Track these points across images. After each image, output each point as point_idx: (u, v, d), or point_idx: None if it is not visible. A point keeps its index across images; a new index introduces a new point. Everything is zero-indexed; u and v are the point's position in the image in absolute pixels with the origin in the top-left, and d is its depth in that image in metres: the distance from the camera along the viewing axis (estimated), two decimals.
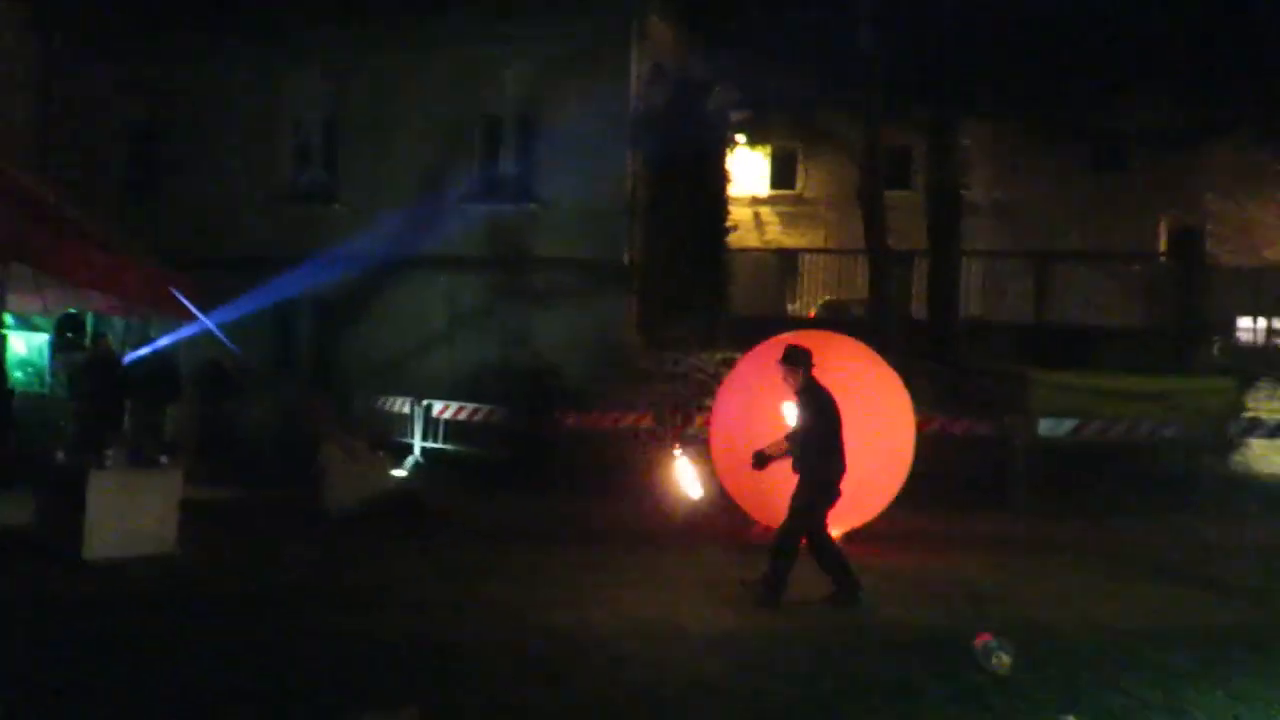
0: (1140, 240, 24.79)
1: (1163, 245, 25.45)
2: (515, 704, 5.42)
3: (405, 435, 14.89)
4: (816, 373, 7.78)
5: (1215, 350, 18.99)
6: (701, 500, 10.74)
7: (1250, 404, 14.03)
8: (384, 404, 15.31)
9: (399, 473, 13.63)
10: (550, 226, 16.16)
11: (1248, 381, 14.36)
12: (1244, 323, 20.45)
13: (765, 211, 27.67)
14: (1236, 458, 13.73)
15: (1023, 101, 19.34)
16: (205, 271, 12.19)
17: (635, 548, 9.64)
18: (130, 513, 8.53)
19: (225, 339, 11.78)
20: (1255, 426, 13.32)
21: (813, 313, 20.97)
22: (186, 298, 10.59)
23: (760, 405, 9.72)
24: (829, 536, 7.68)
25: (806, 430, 7.50)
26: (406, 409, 14.97)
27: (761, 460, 7.77)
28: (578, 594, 7.82)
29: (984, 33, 16.51)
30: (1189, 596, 8.19)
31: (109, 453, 8.68)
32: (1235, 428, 13.32)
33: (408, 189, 16.50)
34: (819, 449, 7.46)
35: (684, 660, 6.22)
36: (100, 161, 17.86)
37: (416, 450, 14.79)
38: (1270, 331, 20.52)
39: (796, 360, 7.66)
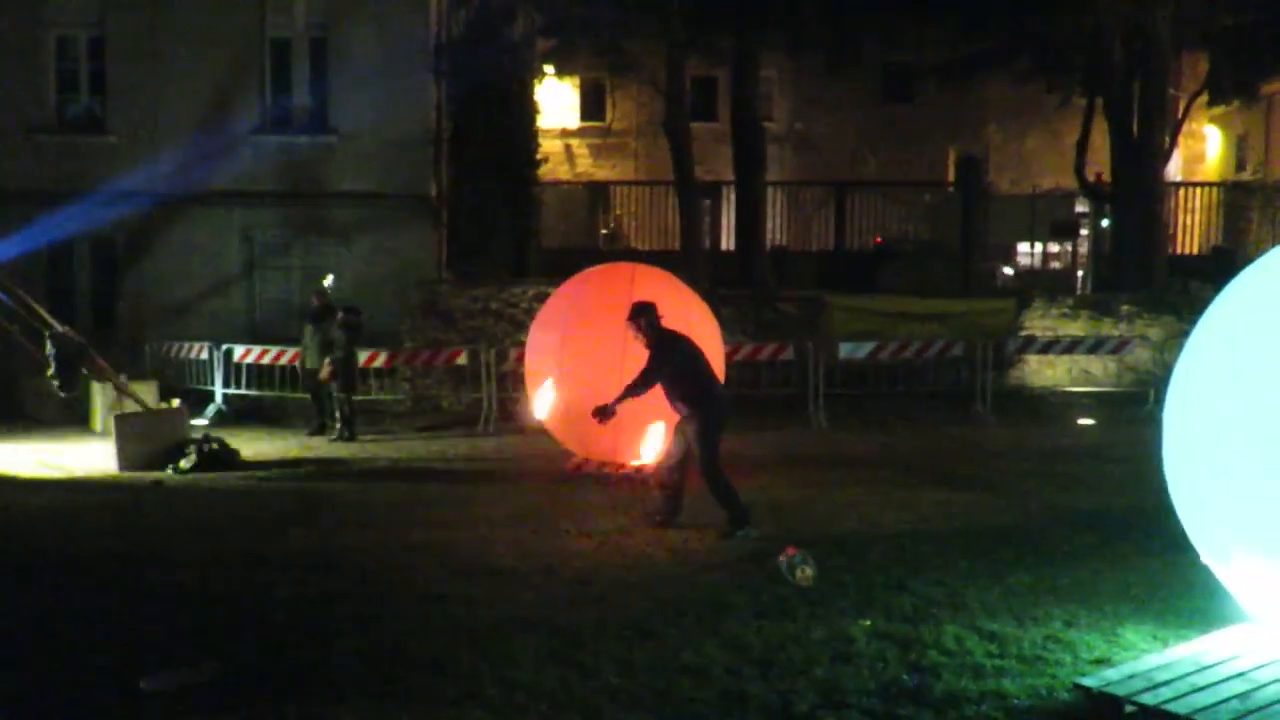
0: (931, 169, 26.22)
1: (951, 174, 26.96)
2: (323, 653, 5.30)
3: (205, 382, 14.13)
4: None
5: (1005, 272, 20.39)
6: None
7: (1026, 322, 15.16)
8: (179, 350, 14.45)
9: (200, 422, 12.96)
10: (350, 159, 15.52)
11: (1025, 301, 15.49)
12: (1023, 247, 22.00)
13: (575, 143, 27.52)
14: (1014, 372, 14.84)
15: (817, 34, 19.87)
16: None
17: (449, 485, 9.56)
18: None
19: None
20: (1030, 343, 14.42)
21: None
22: None
23: (574, 339, 9.76)
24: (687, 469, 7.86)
25: (675, 374, 7.68)
26: (205, 355, 14.18)
27: (604, 413, 7.72)
28: (390, 534, 7.69)
29: None
30: (970, 501, 8.84)
31: None
32: (1013, 344, 14.37)
33: (190, 119, 15.42)
34: (694, 385, 7.70)
35: (498, 595, 6.24)
36: None
37: (219, 397, 14.08)
38: (1046, 255, 22.17)
39: (639, 315, 7.81)
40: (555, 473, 9.83)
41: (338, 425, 12.28)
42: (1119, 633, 5.50)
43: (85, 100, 15.98)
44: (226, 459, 10.57)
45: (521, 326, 13.81)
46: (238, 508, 8.70)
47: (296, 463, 10.85)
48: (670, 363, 7.71)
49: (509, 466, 10.37)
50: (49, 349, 10.87)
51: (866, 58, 23.57)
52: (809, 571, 6.41)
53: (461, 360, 13.69)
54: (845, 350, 13.53)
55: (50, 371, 10.93)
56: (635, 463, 9.77)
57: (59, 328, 11.01)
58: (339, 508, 8.67)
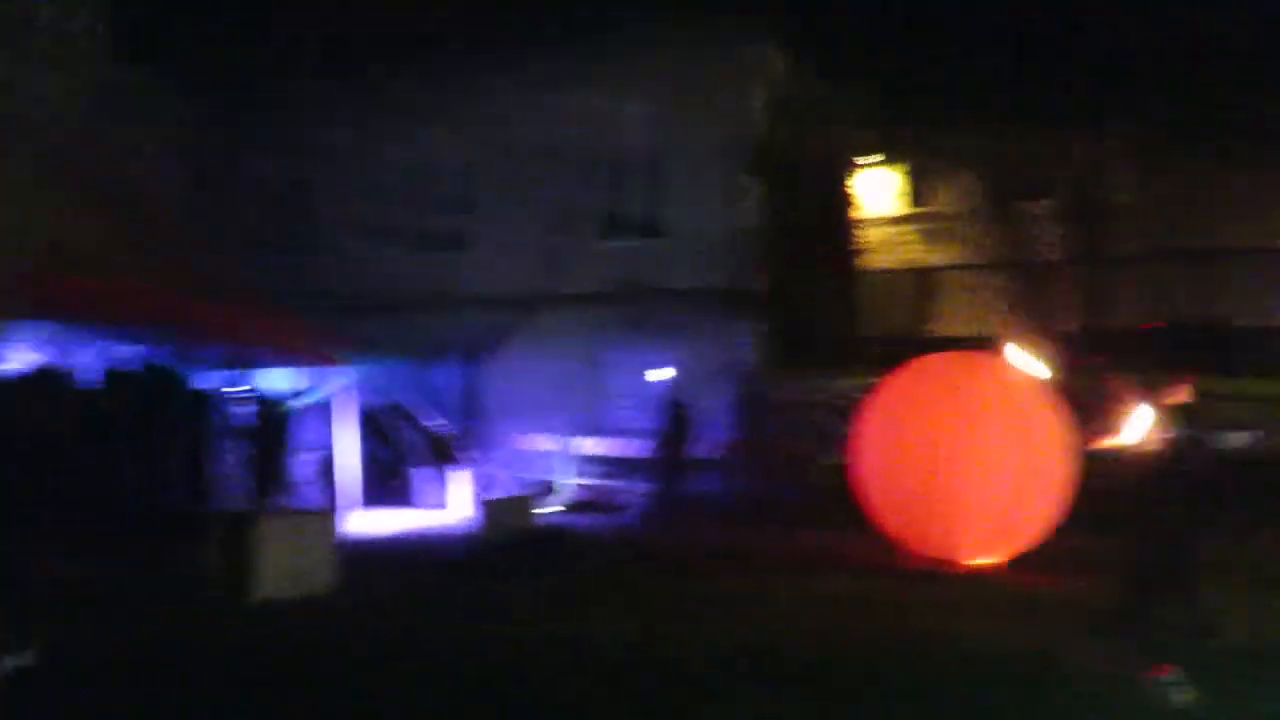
0: None
1: None
2: None
3: (555, 473, 15.24)
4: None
5: None
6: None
7: None
8: (528, 443, 15.68)
9: (551, 509, 13.96)
10: (680, 258, 16.31)
11: None
12: None
13: (900, 230, 27.14)
14: None
15: (1161, 101, 18.54)
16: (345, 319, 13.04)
17: (767, 573, 9.58)
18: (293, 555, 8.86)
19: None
20: None
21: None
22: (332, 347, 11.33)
23: (909, 429, 9.53)
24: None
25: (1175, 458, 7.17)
26: (554, 446, 15.32)
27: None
28: (708, 627, 7.71)
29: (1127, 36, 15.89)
30: None
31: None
32: None
33: (539, 230, 16.97)
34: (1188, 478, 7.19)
35: (765, 696, 6.09)
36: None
37: (566, 486, 15.07)
38: None
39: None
40: (882, 566, 9.52)
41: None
42: None
43: (455, 219, 18.07)
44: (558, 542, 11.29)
45: (847, 417, 13.69)
46: (559, 590, 9.08)
47: (622, 546, 11.41)
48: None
49: (828, 558, 10.20)
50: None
51: (1212, 117, 21.56)
52: (1189, 693, 5.74)
53: (788, 452, 13.78)
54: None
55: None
56: (970, 561, 9.32)
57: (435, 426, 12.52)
58: (653, 594, 8.90)
